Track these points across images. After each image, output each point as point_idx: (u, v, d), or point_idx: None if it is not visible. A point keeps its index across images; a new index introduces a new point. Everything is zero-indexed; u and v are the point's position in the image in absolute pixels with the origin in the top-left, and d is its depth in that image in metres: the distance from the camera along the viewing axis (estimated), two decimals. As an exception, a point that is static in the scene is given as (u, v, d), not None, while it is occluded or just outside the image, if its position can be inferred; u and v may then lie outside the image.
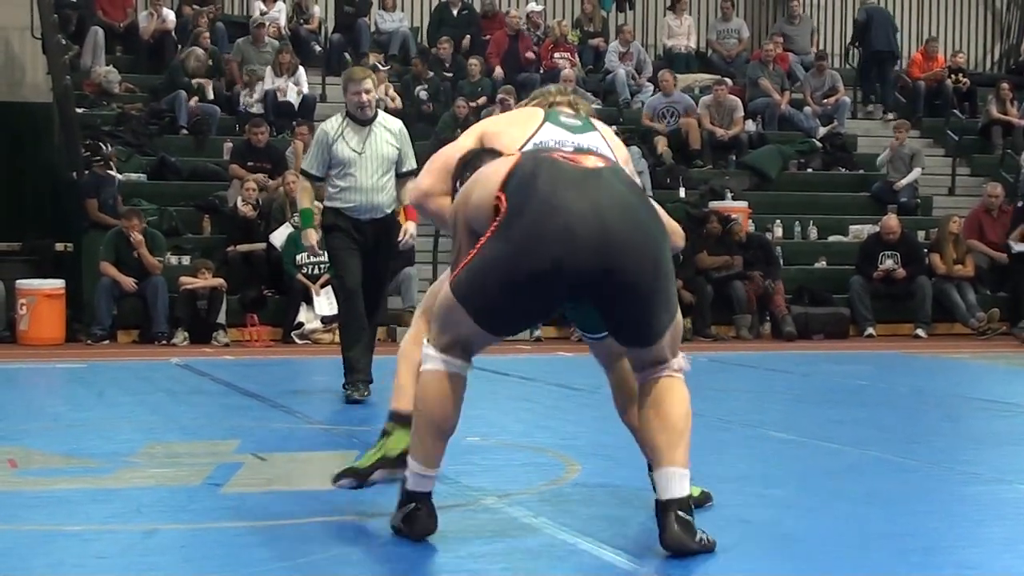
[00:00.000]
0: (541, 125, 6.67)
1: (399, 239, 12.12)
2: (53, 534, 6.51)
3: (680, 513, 5.87)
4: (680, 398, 6.18)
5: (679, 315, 6.27)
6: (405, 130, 12.11)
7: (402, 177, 11.85)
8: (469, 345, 6.16)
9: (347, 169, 11.61)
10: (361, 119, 11.70)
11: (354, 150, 11.61)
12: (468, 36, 26.79)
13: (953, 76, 28.39)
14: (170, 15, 25.29)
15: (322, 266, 19.61)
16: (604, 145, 6.75)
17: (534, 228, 5.72)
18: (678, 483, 5.95)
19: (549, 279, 5.79)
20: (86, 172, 20.52)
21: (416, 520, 6.23)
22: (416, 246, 16.76)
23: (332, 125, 11.91)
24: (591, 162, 6.21)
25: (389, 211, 11.98)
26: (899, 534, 6.52)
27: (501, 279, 5.82)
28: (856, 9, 29.63)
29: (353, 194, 11.64)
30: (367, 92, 11.72)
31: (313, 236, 12.52)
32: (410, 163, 11.90)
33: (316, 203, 12.59)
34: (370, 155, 11.60)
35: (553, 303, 6.16)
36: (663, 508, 5.91)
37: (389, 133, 11.78)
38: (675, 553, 5.77)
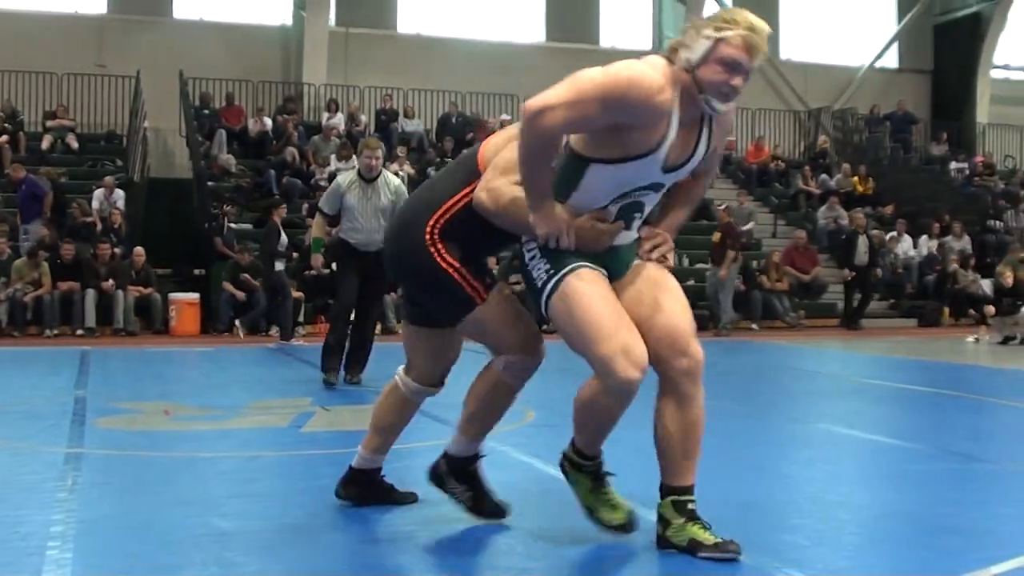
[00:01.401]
0: None
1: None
2: (193, 459, 6.56)
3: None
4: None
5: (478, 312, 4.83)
6: (403, 186, 11.19)
7: None
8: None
9: (353, 213, 10.84)
10: (368, 177, 10.87)
11: (359, 199, 10.81)
12: (463, 135, 26.82)
13: (774, 161, 28.73)
14: (268, 121, 25.34)
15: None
16: None
17: None
18: None
19: None
20: (214, 223, 20.56)
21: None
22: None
23: (345, 179, 11.07)
24: None
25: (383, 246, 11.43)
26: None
27: None
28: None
29: (357, 233, 10.86)
30: (376, 158, 10.92)
31: (319, 259, 11.93)
32: None
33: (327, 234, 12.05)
34: (371, 205, 10.76)
35: None
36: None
37: (387, 188, 10.88)
38: None
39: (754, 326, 21.41)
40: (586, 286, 4.40)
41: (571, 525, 4.84)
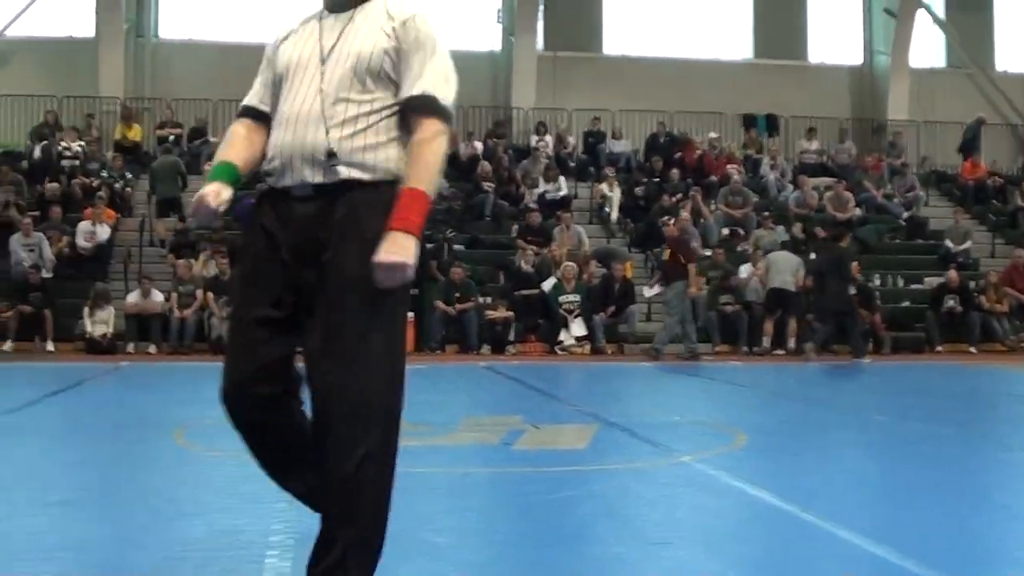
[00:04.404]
0: None
1: None
2: (406, 474, 6.60)
3: None
4: None
5: None
6: None
7: None
8: None
9: None
10: None
11: None
12: (671, 155, 26.66)
13: (991, 177, 27.75)
14: (479, 145, 25.66)
15: (575, 302, 19.72)
16: None
17: None
18: None
19: None
20: (428, 244, 20.85)
21: None
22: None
23: None
24: None
25: None
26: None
27: None
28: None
29: None
30: None
31: None
32: None
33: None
34: None
35: None
36: None
37: None
38: None
39: (972, 349, 20.71)
40: None
41: (784, 553, 4.73)
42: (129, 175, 23.74)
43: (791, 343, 19.68)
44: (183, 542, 4.86)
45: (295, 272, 3.69)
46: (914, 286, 22.94)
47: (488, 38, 29.12)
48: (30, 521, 5.26)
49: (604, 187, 24.54)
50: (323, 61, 3.76)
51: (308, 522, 5.05)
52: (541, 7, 28.50)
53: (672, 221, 20.72)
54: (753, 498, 5.95)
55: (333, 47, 3.77)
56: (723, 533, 5.07)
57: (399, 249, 3.56)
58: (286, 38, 3.94)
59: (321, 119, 3.69)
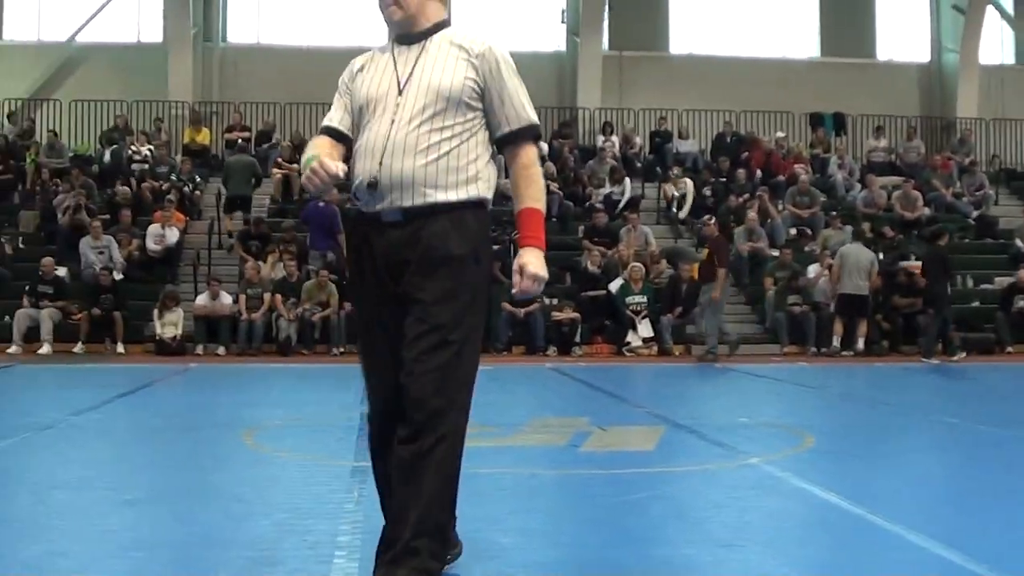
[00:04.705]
0: None
1: None
2: (473, 475, 6.62)
3: None
4: None
5: None
6: None
7: None
8: None
9: None
10: None
11: None
12: (738, 154, 26.53)
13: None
14: (545, 146, 25.57)
15: (642, 303, 19.67)
16: None
17: None
18: None
19: None
20: (495, 246, 20.89)
21: None
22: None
23: None
24: None
25: None
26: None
27: None
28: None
29: None
30: None
31: None
32: None
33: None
34: None
35: None
36: None
37: None
38: None
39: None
40: None
41: (852, 556, 4.70)
42: (198, 178, 23.99)
43: (860, 344, 19.50)
44: (252, 542, 4.91)
45: (391, 288, 4.01)
46: (984, 286, 22.66)
47: (553, 39, 29.14)
48: (102, 521, 5.33)
49: (669, 187, 24.48)
50: (400, 92, 4.02)
51: (375, 523, 5.09)
52: (606, 7, 28.46)
53: (712, 220, 20.28)
54: (821, 500, 5.92)
55: (410, 77, 4.03)
56: (791, 535, 5.04)
57: (541, 264, 4.02)
58: (362, 70, 4.21)
59: (403, 147, 3.95)
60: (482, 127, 4.07)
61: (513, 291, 4.10)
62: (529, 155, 4.10)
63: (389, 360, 4.01)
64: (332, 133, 4.19)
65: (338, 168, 3.90)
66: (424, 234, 3.94)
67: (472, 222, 4.02)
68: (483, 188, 4.06)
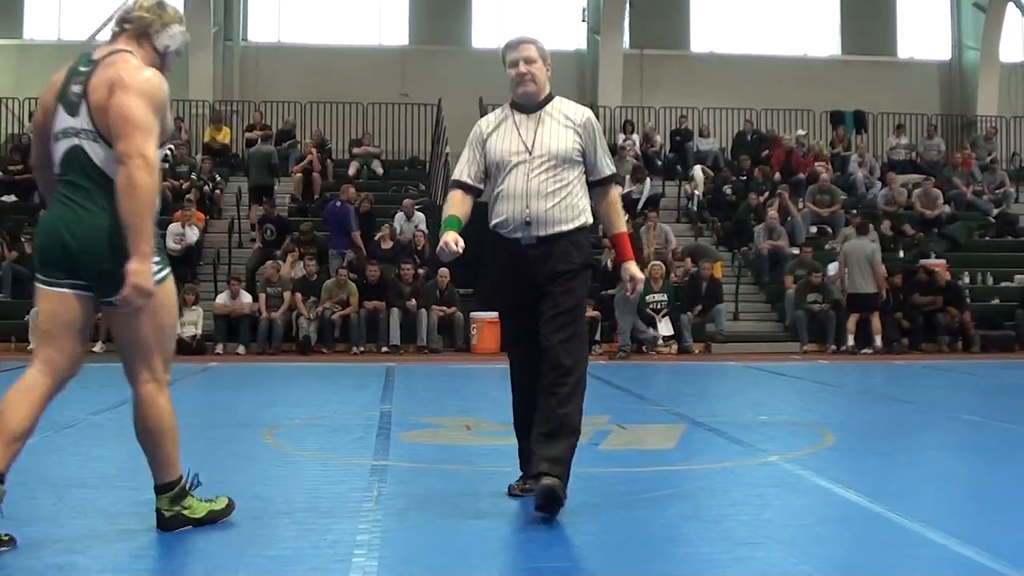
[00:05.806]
0: None
1: None
2: (494, 473, 6.64)
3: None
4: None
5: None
6: None
7: None
8: None
9: None
10: None
11: None
12: (759, 152, 26.47)
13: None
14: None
15: (662, 302, 19.63)
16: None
17: None
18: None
19: None
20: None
21: None
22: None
23: None
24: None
25: None
26: None
27: None
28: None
29: None
30: None
31: None
32: None
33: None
34: None
35: None
36: None
37: None
38: None
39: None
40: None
41: (873, 554, 4.68)
42: (218, 177, 24.06)
43: (877, 341, 19.42)
44: (272, 540, 4.92)
45: (531, 286, 5.69)
46: (1004, 284, 22.56)
47: (574, 37, 29.10)
48: (122, 520, 5.34)
49: (689, 187, 24.48)
50: (530, 152, 5.70)
51: (394, 522, 5.10)
52: (627, 5, 28.43)
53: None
54: (841, 498, 5.90)
55: (534, 142, 5.72)
56: (811, 534, 5.03)
57: (639, 272, 5.89)
58: (492, 132, 5.82)
59: (537, 193, 5.67)
60: (582, 174, 5.78)
61: (629, 295, 6.01)
62: (614, 194, 5.93)
63: (529, 331, 5.67)
64: (464, 187, 5.88)
65: (459, 247, 5.61)
66: (555, 251, 5.65)
67: (583, 241, 5.73)
68: (588, 217, 5.78)
